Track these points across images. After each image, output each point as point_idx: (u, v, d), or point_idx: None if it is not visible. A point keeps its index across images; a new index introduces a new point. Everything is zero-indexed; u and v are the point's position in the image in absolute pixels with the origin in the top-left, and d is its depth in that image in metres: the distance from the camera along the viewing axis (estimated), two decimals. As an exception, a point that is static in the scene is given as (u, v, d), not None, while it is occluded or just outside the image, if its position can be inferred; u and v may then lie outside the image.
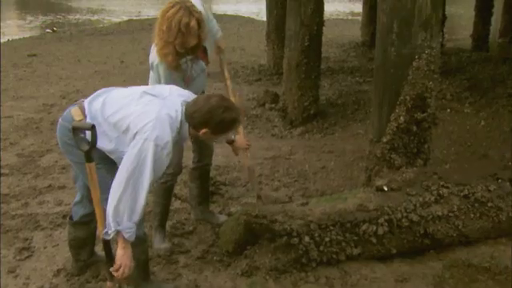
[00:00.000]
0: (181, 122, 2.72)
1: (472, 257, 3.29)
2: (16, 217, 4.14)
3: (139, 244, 2.88)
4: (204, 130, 2.70)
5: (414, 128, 3.53)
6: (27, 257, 3.58)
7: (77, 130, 2.60)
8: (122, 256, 2.61)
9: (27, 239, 3.80)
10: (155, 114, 2.61)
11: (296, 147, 5.70)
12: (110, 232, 2.56)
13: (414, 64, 3.47)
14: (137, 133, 2.58)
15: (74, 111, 2.76)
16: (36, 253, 3.63)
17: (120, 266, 2.62)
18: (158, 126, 2.58)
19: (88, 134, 2.55)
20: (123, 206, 2.53)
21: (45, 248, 3.68)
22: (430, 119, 3.60)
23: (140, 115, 2.62)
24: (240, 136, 3.55)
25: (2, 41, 15.05)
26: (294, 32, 6.22)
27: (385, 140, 3.61)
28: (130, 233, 2.59)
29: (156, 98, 2.74)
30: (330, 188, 4.58)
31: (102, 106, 2.73)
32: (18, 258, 3.56)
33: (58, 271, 3.39)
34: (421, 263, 3.31)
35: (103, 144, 2.70)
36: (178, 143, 2.85)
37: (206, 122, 2.70)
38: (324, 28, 6.39)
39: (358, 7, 16.57)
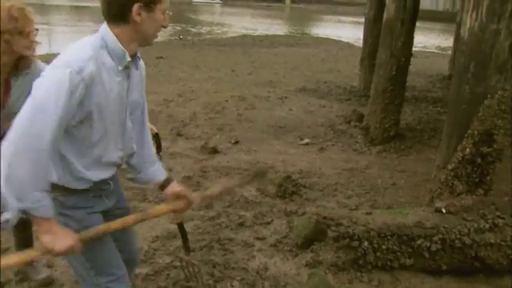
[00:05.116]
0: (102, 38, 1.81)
1: (520, 285, 3.16)
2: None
3: None
4: (135, 7, 1.77)
5: (479, 160, 3.43)
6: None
7: None
8: (49, 243, 1.71)
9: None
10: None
11: (372, 163, 5.68)
12: (8, 217, 1.63)
13: (486, 102, 3.37)
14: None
15: None
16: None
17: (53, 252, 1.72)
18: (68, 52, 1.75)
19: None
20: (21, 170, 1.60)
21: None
22: (496, 154, 3.48)
23: None
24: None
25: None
26: (383, 61, 6.20)
27: (450, 167, 3.54)
28: (40, 206, 1.65)
29: None
30: (397, 203, 4.53)
31: None
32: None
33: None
34: (468, 283, 3.23)
35: None
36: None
37: None
38: (414, 59, 6.30)
39: (449, 41, 15.94)
